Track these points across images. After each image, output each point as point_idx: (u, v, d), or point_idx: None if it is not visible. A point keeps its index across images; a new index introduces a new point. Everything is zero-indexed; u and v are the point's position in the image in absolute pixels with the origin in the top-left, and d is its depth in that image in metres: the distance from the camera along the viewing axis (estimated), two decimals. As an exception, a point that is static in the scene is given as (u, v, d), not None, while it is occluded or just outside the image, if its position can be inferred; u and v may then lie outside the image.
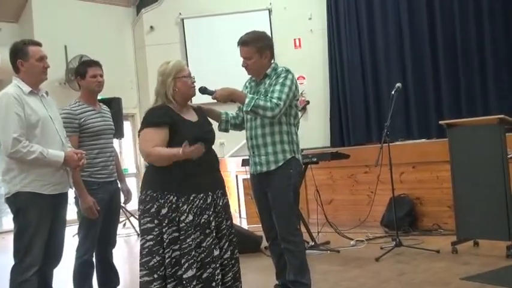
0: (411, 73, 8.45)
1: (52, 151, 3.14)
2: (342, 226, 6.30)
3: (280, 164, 3.55)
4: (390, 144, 5.30)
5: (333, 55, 9.65)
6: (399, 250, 5.12)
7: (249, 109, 3.43)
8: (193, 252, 2.93)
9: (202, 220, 2.99)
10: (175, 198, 2.97)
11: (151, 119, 3.07)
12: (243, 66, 3.66)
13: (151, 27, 10.51)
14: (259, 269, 5.09)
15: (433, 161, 6.14)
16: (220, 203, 3.14)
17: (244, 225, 7.51)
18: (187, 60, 10.33)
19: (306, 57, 9.76)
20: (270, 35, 10.29)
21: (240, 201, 8.50)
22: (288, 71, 3.55)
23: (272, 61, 3.68)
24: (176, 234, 2.96)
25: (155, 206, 2.99)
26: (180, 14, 10.41)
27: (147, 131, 3.05)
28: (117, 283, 3.91)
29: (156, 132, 3.01)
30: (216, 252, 3.01)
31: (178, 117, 3.09)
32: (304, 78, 9.61)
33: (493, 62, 7.53)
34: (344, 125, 9.28)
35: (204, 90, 3.53)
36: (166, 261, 2.93)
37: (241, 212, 8.44)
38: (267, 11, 10.18)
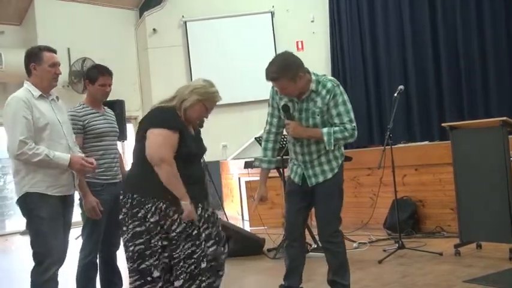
0: (413, 75, 8.46)
1: (58, 153, 3.17)
2: (345, 228, 6.23)
3: (336, 170, 3.54)
4: (393, 146, 5.30)
5: (336, 57, 9.67)
6: (402, 252, 5.11)
7: (332, 147, 3.40)
8: (181, 263, 2.89)
9: (195, 232, 2.94)
10: (165, 206, 2.90)
11: (170, 121, 2.95)
12: (280, 94, 3.49)
13: (154, 29, 10.53)
14: (261, 271, 5.09)
15: (436, 163, 6.13)
16: (206, 215, 3.09)
17: (247, 227, 7.52)
18: (190, 63, 10.36)
19: (308, 60, 9.56)
20: (273, 38, 10.38)
21: (242, 203, 8.51)
22: (338, 85, 3.44)
23: (308, 72, 3.47)
24: (166, 242, 2.90)
25: (142, 211, 2.91)
26: (182, 16, 10.43)
27: (165, 132, 2.91)
28: (120, 285, 3.91)
29: (173, 137, 2.92)
30: (203, 265, 2.95)
31: (184, 126, 3.03)
32: (306, 80, 9.61)
33: (495, 64, 7.55)
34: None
35: (286, 110, 3.47)
36: (160, 267, 2.90)
37: (243, 215, 8.44)
38: (270, 13, 10.21)
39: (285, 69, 3.29)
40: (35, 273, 3.15)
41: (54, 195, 3.20)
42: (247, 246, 5.60)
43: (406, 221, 6.06)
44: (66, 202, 3.32)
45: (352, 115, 3.43)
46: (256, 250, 5.68)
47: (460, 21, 7.88)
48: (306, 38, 10.08)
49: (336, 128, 3.39)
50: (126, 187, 3.07)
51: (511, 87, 7.47)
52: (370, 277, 4.45)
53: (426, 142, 7.27)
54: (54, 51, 3.35)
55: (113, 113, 4.01)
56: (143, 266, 2.90)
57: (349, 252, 5.35)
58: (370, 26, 9.12)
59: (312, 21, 10.10)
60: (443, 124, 5.21)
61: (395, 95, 5.26)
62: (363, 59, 9.24)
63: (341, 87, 3.46)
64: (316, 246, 5.49)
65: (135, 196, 2.95)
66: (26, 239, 3.19)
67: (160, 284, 2.91)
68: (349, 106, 3.44)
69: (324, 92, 3.40)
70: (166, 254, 2.91)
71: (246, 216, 8.11)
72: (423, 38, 8.36)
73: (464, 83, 7.88)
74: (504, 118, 4.64)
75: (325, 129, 3.40)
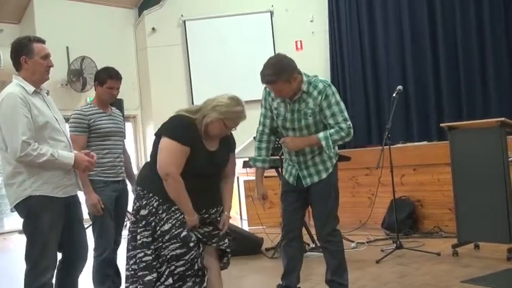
0: (412, 75, 8.45)
1: (62, 152, 3.04)
2: (343, 228, 6.22)
3: (330, 170, 3.54)
4: (391, 146, 5.31)
5: (335, 57, 9.66)
6: (400, 252, 5.12)
7: (332, 150, 3.41)
8: (166, 263, 2.89)
9: (183, 233, 2.90)
10: (157, 203, 2.92)
11: (185, 135, 2.91)
12: (276, 96, 3.49)
13: (153, 28, 10.52)
14: (259, 270, 5.10)
15: (434, 163, 6.14)
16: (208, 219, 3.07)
17: (245, 227, 7.52)
18: (189, 62, 10.36)
19: (307, 59, 9.71)
20: (272, 37, 10.35)
21: (241, 203, 8.51)
22: (329, 86, 3.42)
23: (299, 73, 3.46)
24: (150, 239, 2.90)
25: (138, 204, 2.99)
26: (181, 15, 10.42)
27: (174, 145, 2.88)
28: (119, 284, 3.92)
29: (183, 152, 2.89)
30: (196, 267, 2.94)
31: (198, 142, 2.97)
32: (305, 80, 9.61)
33: (494, 65, 7.54)
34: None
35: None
36: (132, 261, 2.93)
37: (242, 214, 8.44)
38: (269, 13, 10.20)
39: (281, 71, 3.29)
40: (29, 276, 3.02)
41: (60, 197, 3.07)
42: (245, 246, 5.61)
43: (404, 221, 6.07)
44: (71, 202, 3.20)
45: (346, 114, 3.43)
46: (254, 250, 5.69)
47: (459, 20, 7.87)
48: (305, 38, 10.07)
49: (332, 130, 3.39)
50: (136, 181, 3.17)
51: (510, 87, 7.47)
52: (367, 277, 4.46)
53: (424, 142, 7.28)
54: (44, 42, 3.17)
55: (120, 113, 4.08)
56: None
57: (347, 252, 5.36)
58: (369, 26, 9.12)
59: (311, 21, 10.08)
60: (441, 124, 5.22)
61: (394, 95, 5.26)
62: (362, 58, 9.24)
63: (333, 87, 3.45)
64: (314, 245, 5.50)
65: (138, 189, 3.04)
66: (25, 238, 3.14)
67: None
68: (342, 105, 3.44)
69: (315, 93, 3.40)
70: (149, 252, 2.90)
71: (245, 216, 8.11)
72: (422, 38, 8.36)
73: (463, 83, 7.88)
74: (502, 119, 4.65)
75: (321, 134, 3.40)
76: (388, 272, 4.58)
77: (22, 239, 3.18)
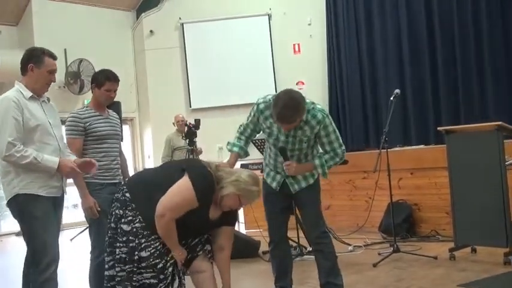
0: (410, 79, 8.47)
1: (47, 157, 3.16)
2: (340, 231, 6.30)
3: (316, 176, 3.65)
4: (388, 150, 5.32)
5: (332, 60, 9.68)
6: (397, 256, 5.13)
7: (327, 176, 3.59)
8: None
9: (160, 265, 2.90)
10: (140, 225, 2.88)
11: (206, 194, 2.91)
12: (285, 130, 3.45)
13: (151, 31, 10.53)
14: (257, 274, 5.10)
15: (431, 167, 6.15)
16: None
17: (242, 230, 7.52)
18: (186, 65, 10.36)
19: (305, 63, 9.79)
20: (269, 40, 10.36)
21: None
22: (327, 116, 3.47)
23: None
24: (127, 258, 2.90)
25: (120, 212, 2.94)
26: (180, 18, 10.43)
27: (192, 196, 2.86)
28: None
29: (191, 205, 2.87)
30: None
31: (207, 206, 2.97)
32: (303, 83, 9.63)
33: (492, 69, 7.55)
34: (342, 130, 9.30)
35: (284, 153, 3.50)
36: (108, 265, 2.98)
37: (239, 217, 8.42)
38: (267, 16, 10.22)
39: (301, 110, 3.29)
40: (34, 274, 3.15)
41: (45, 195, 3.19)
42: (242, 249, 5.60)
43: (401, 224, 6.07)
44: (55, 204, 3.31)
45: (340, 140, 3.56)
46: (251, 253, 5.69)
47: (457, 24, 7.88)
48: (303, 41, 10.08)
49: (326, 157, 3.52)
50: (128, 182, 3.13)
51: (508, 90, 7.48)
52: (364, 280, 4.46)
53: (422, 146, 7.29)
54: (56, 58, 3.36)
55: (117, 116, 4.07)
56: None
57: (344, 255, 5.39)
58: (367, 29, 9.14)
59: (309, 24, 10.10)
60: (439, 128, 5.23)
61: (392, 98, 5.27)
62: (360, 62, 9.25)
63: (330, 117, 3.52)
64: (311, 249, 5.49)
65: (126, 195, 2.97)
66: (22, 240, 3.18)
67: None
68: (337, 132, 3.55)
69: (313, 122, 3.43)
70: (125, 268, 2.90)
71: (242, 219, 8.10)
72: (420, 41, 8.37)
73: (460, 87, 7.89)
74: (500, 123, 4.66)
75: (317, 162, 3.52)
76: (385, 275, 4.58)
77: (19, 241, 3.20)
